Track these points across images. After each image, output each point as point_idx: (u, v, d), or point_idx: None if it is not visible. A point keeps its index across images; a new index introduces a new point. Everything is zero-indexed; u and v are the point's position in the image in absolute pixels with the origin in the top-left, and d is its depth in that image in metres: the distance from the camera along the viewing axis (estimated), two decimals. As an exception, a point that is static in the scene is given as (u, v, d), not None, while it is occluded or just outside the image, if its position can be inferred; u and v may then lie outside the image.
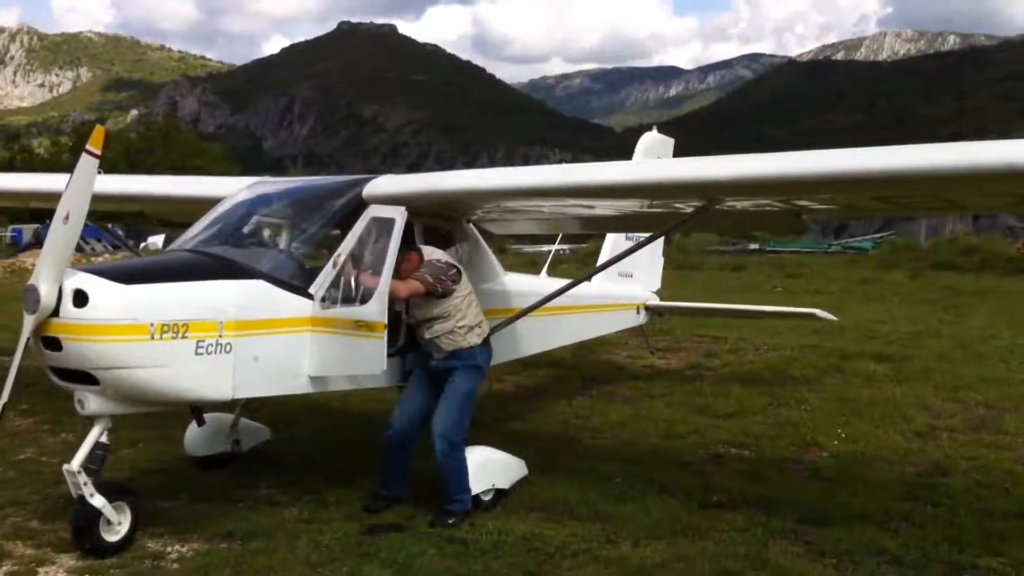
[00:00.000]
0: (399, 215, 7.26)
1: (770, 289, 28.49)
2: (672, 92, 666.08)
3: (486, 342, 7.61)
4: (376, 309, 6.87)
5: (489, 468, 7.57)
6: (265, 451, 8.92)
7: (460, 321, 7.39)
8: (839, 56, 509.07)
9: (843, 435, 10.00)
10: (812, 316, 12.98)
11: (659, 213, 8.13)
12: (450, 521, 7.04)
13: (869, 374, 13.76)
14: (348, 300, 7.07)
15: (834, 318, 13.24)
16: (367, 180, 7.85)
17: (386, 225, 7.24)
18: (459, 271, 7.52)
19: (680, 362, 15.34)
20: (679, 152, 12.77)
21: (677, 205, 7.74)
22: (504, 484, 7.65)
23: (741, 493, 7.90)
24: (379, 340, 6.83)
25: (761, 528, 7.04)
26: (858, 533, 6.93)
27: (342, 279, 7.12)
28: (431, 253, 7.53)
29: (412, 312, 7.50)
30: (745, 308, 15.74)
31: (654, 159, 12.17)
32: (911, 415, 11.05)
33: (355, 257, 7.21)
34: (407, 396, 7.62)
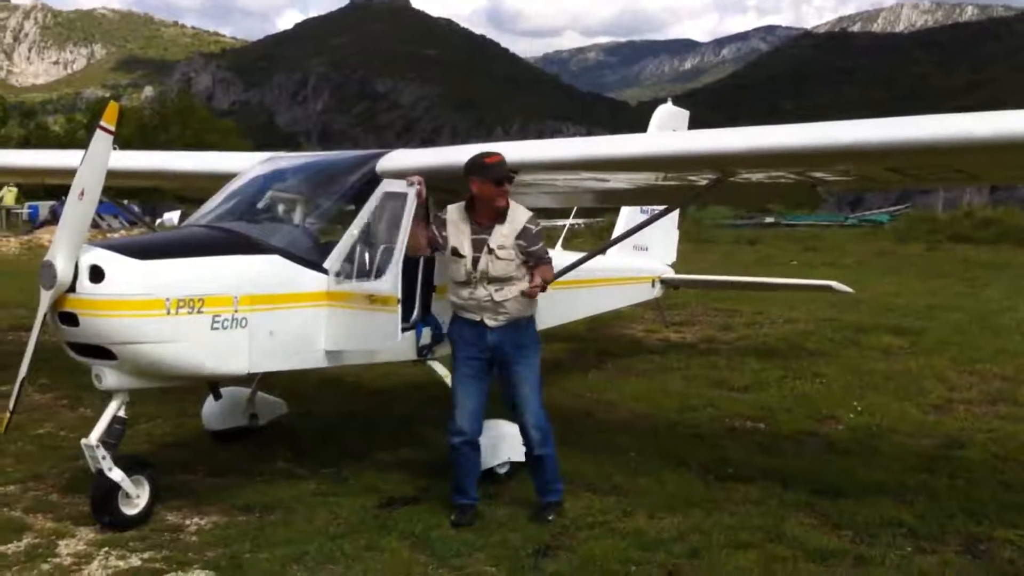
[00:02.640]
0: (412, 189, 7.04)
1: (786, 262, 28.40)
2: (687, 65, 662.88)
3: None
4: (390, 283, 6.80)
5: (505, 442, 7.56)
6: (282, 425, 8.97)
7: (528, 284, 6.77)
8: (856, 28, 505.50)
9: (859, 408, 9.99)
10: (828, 288, 12.95)
11: (674, 186, 8.09)
12: (550, 517, 6.64)
13: (885, 347, 13.72)
14: (361, 275, 7.04)
15: (850, 290, 13.19)
16: (381, 155, 7.84)
17: (399, 199, 7.08)
18: None
19: (695, 335, 15.33)
20: (694, 125, 12.72)
21: (692, 177, 7.70)
22: (519, 457, 7.63)
23: (757, 466, 7.91)
24: (393, 314, 6.77)
25: (777, 500, 7.04)
26: (874, 505, 6.91)
27: (355, 254, 7.10)
28: (518, 212, 6.82)
29: (485, 269, 6.67)
30: (761, 281, 15.70)
31: (669, 132, 12.13)
32: (927, 388, 11.03)
33: (369, 231, 7.16)
34: (464, 393, 6.80)
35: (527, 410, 6.80)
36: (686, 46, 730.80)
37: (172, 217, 40.72)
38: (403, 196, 7.05)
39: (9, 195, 45.41)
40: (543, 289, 6.71)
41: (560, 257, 10.16)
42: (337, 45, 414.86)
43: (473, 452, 6.87)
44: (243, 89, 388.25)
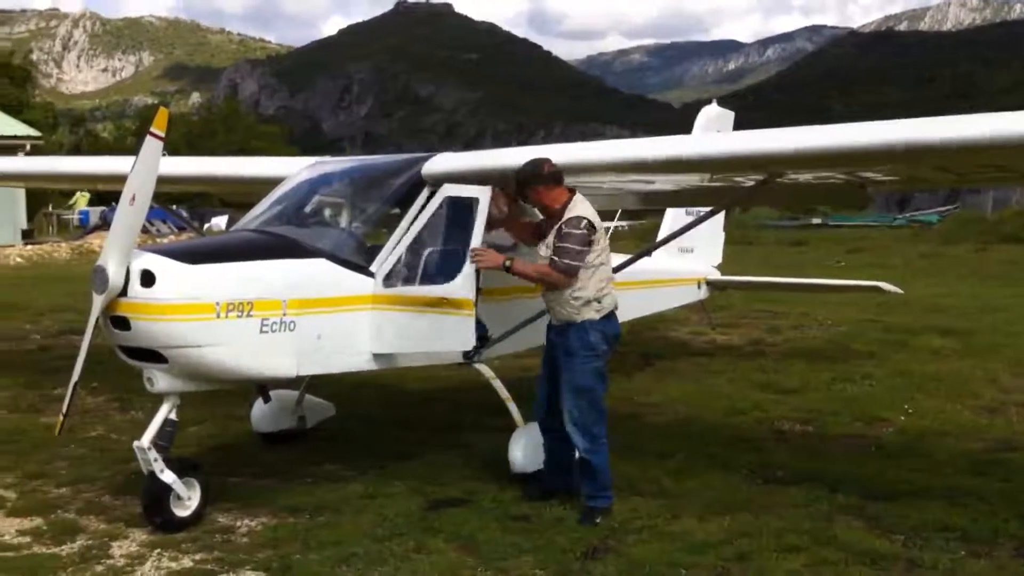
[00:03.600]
0: (482, 195, 7.18)
1: (832, 264, 28.14)
2: (731, 66, 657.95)
3: (608, 316, 6.84)
4: (461, 286, 6.85)
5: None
6: (328, 427, 9.03)
7: (576, 292, 6.70)
8: (902, 27, 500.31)
9: (909, 410, 9.87)
10: (877, 289, 12.79)
11: (720, 187, 8.06)
12: (598, 520, 6.61)
13: (935, 349, 13.53)
14: (425, 278, 7.13)
15: (899, 290, 13.01)
16: (426, 158, 7.87)
17: (466, 205, 7.20)
18: (596, 232, 6.76)
19: (742, 338, 15.22)
20: (739, 126, 12.63)
21: (738, 179, 7.67)
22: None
23: (805, 469, 7.83)
24: (467, 317, 6.82)
25: (826, 503, 6.98)
26: (925, 509, 6.83)
27: (417, 258, 7.19)
28: (577, 205, 6.81)
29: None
30: (808, 282, 15.54)
31: (714, 133, 12.06)
32: (979, 390, 10.87)
33: (432, 236, 7.26)
34: (541, 384, 7.17)
35: (566, 414, 6.83)
36: (730, 47, 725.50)
37: (219, 222, 41.07)
38: (469, 201, 7.18)
39: (82, 199, 46.78)
40: (476, 260, 6.80)
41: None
42: (380, 50, 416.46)
43: (545, 436, 7.13)
44: (288, 95, 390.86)
